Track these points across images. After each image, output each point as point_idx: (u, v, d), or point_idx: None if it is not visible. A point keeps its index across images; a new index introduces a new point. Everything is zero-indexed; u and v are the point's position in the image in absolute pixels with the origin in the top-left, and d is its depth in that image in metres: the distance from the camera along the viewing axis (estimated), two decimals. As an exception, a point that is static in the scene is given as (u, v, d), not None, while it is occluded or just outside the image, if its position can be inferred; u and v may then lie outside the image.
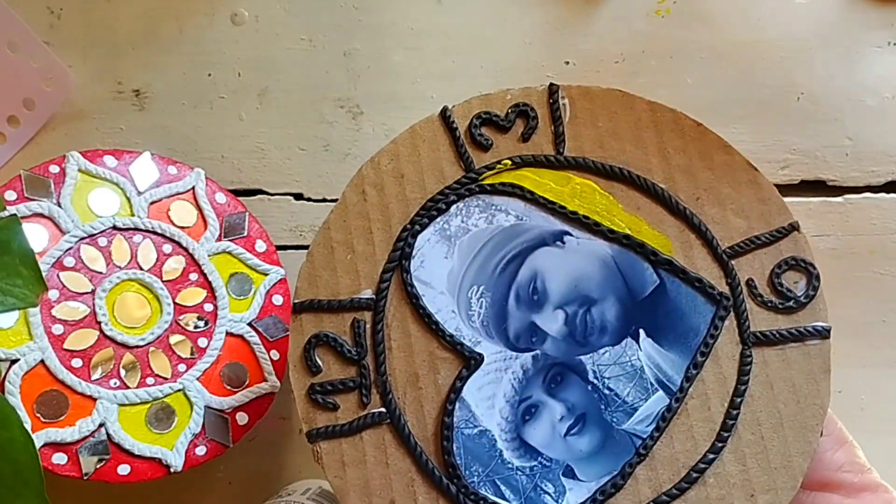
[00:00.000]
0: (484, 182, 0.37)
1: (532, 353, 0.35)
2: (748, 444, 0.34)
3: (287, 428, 0.46)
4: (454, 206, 0.37)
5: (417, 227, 0.37)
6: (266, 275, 0.46)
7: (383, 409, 0.35)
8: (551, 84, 0.38)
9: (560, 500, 0.34)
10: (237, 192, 0.48)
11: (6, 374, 0.40)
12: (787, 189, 0.49)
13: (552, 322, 0.36)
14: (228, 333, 0.44)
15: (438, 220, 0.37)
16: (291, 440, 0.46)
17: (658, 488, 0.34)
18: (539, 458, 0.35)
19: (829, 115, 0.49)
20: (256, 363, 0.44)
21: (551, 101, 0.38)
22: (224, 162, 0.49)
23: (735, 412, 0.34)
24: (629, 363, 0.35)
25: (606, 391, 0.35)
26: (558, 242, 0.36)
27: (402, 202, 0.37)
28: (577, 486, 0.34)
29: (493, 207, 0.37)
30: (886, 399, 0.47)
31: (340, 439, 0.35)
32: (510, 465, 0.35)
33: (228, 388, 0.43)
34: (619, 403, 0.35)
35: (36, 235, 0.43)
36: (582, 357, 0.35)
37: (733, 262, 0.36)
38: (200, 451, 0.42)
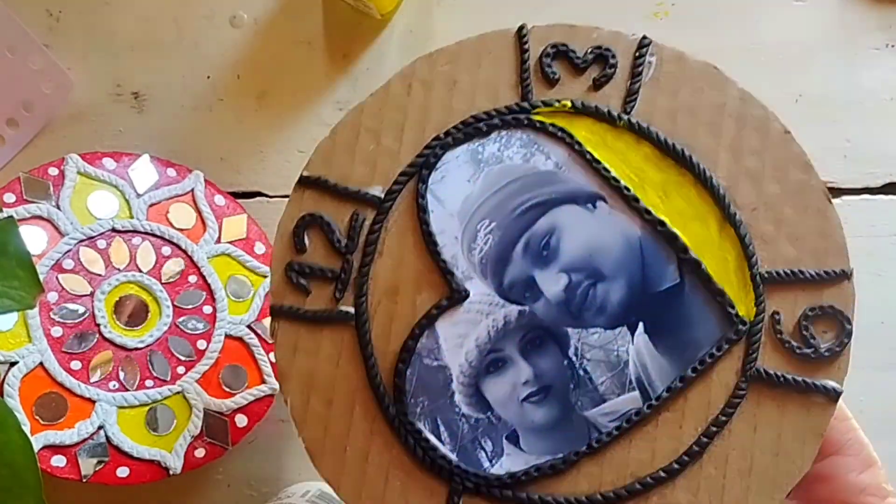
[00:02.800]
0: (535, 117, 0.34)
1: (520, 308, 0.33)
2: (707, 478, 0.32)
3: (286, 430, 0.46)
4: (495, 133, 0.34)
5: (451, 140, 0.34)
6: (265, 277, 0.45)
7: (352, 310, 0.33)
8: (644, 36, 0.35)
9: (494, 462, 0.32)
10: (236, 195, 0.48)
11: (5, 376, 0.40)
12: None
13: (552, 284, 0.33)
14: (227, 336, 0.44)
15: (475, 141, 0.34)
16: (290, 443, 0.46)
17: (596, 487, 0.32)
18: (488, 413, 0.33)
19: (827, 117, 0.49)
20: (255, 365, 0.44)
21: (638, 54, 0.34)
22: (223, 164, 0.48)
23: (706, 441, 0.32)
24: (615, 352, 0.33)
25: (581, 372, 0.33)
26: (589, 205, 0.34)
27: (444, 110, 0.34)
28: (516, 455, 0.32)
29: (535, 147, 0.34)
30: (886, 401, 0.46)
31: (301, 325, 0.34)
32: (457, 410, 0.33)
33: (227, 390, 0.43)
34: (590, 389, 0.33)
35: (35, 238, 0.43)
36: (569, 329, 0.33)
37: (766, 287, 0.32)
38: (199, 453, 0.42)
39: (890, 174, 0.48)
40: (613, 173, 0.34)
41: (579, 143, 0.34)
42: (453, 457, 0.32)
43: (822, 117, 0.48)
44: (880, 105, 0.49)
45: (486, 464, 0.32)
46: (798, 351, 0.32)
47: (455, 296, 0.33)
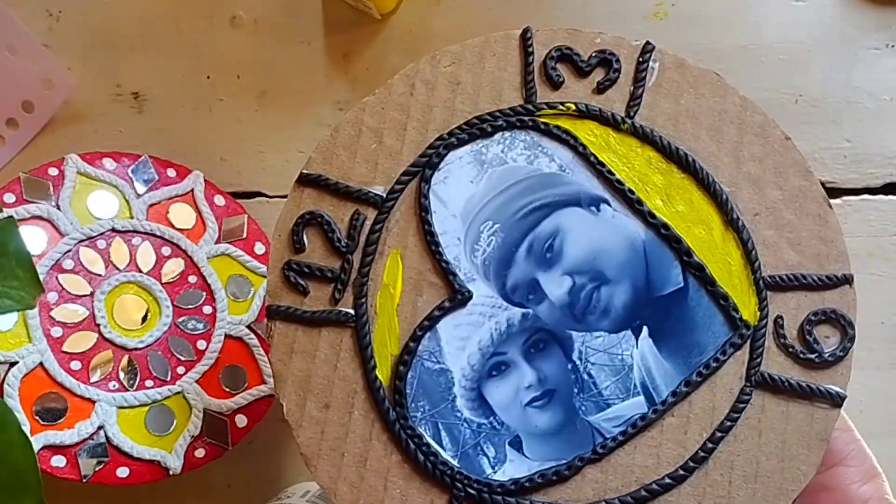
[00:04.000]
0: (539, 119, 0.34)
1: (523, 311, 0.33)
2: (713, 484, 0.31)
3: (286, 430, 0.45)
4: (499, 134, 0.34)
5: (454, 140, 0.34)
6: (265, 277, 0.45)
7: (352, 311, 0.32)
8: (647, 42, 0.35)
9: (496, 468, 0.32)
10: (236, 195, 0.47)
11: (5, 376, 0.40)
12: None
13: (556, 286, 0.33)
14: (227, 336, 0.44)
15: (478, 141, 0.34)
16: (290, 443, 0.46)
17: (601, 494, 0.31)
18: (491, 418, 0.32)
19: (827, 118, 0.49)
20: (255, 365, 0.44)
21: (641, 59, 0.34)
22: (223, 164, 0.48)
23: (712, 446, 0.31)
24: (620, 356, 0.32)
25: (586, 376, 0.32)
26: (593, 207, 0.33)
27: (447, 110, 0.34)
28: (520, 461, 0.32)
29: (539, 149, 0.34)
30: (885, 401, 0.46)
31: (298, 325, 0.33)
32: (459, 414, 0.32)
33: (227, 390, 0.43)
34: (594, 393, 0.32)
35: (35, 238, 0.42)
36: (573, 332, 0.32)
37: (769, 292, 0.32)
38: (199, 453, 0.42)
39: (890, 174, 0.48)
40: (617, 176, 0.33)
41: (583, 146, 0.34)
42: (455, 463, 0.32)
43: (822, 117, 0.48)
44: (880, 105, 0.49)
45: (489, 470, 0.32)
46: (802, 356, 0.32)
47: (458, 297, 0.33)
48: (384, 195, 0.33)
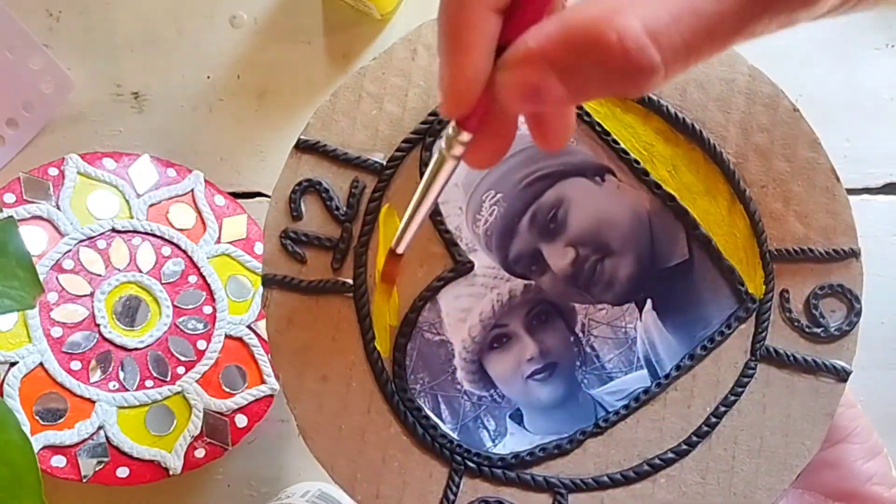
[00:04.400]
0: (543, 86, 0.33)
1: (525, 282, 0.32)
2: (716, 458, 0.31)
3: (286, 430, 0.45)
4: (503, 101, 0.33)
5: (456, 107, 0.33)
6: None
7: (350, 281, 0.32)
8: (655, 9, 0.34)
9: (497, 441, 0.31)
10: (236, 195, 0.47)
11: (5, 376, 0.40)
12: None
13: (559, 258, 0.32)
14: (227, 336, 0.43)
15: (481, 109, 0.33)
16: (290, 442, 0.45)
17: (603, 468, 0.31)
18: (491, 391, 0.31)
19: (826, 117, 0.47)
20: (255, 365, 0.43)
21: (648, 27, 0.34)
22: (223, 164, 0.47)
23: (715, 420, 0.31)
24: (623, 329, 0.32)
25: (588, 349, 0.32)
26: (598, 178, 0.33)
27: (449, 76, 0.33)
28: (520, 434, 0.31)
29: (543, 116, 0.33)
30: (885, 400, 0.46)
31: (296, 295, 0.32)
32: (459, 387, 0.31)
33: (227, 390, 0.42)
34: (597, 367, 0.32)
35: (35, 238, 0.42)
36: (576, 304, 0.32)
37: (775, 265, 0.32)
38: (199, 453, 0.41)
39: (890, 174, 0.48)
40: (622, 146, 0.33)
41: (588, 115, 0.33)
42: (454, 436, 0.31)
43: (822, 117, 0.47)
44: (880, 105, 0.48)
45: (489, 443, 0.31)
46: (807, 330, 0.32)
47: (459, 268, 0.32)
48: (384, 162, 0.32)
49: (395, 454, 0.31)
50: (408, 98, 0.33)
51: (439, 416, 0.31)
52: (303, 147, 0.33)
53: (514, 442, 0.31)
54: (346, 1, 0.47)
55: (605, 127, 0.33)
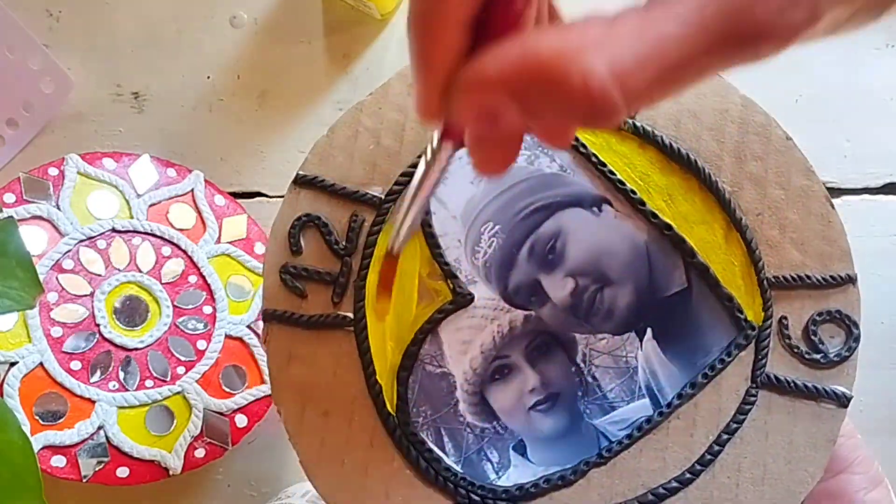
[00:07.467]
0: (539, 118, 0.34)
1: (525, 313, 0.32)
2: (720, 487, 0.31)
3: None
4: (499, 133, 0.33)
5: (453, 140, 0.33)
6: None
7: (351, 315, 0.32)
8: (647, 41, 0.34)
9: (500, 474, 0.31)
10: (236, 195, 0.47)
11: (5, 376, 0.40)
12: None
13: (559, 289, 0.32)
14: (227, 336, 0.43)
15: (478, 141, 0.33)
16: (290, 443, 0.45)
17: (608, 498, 0.31)
18: (494, 423, 0.31)
19: (827, 117, 0.48)
20: (255, 365, 0.44)
21: (641, 59, 0.34)
22: (223, 164, 0.48)
23: (718, 448, 0.31)
24: (624, 359, 0.32)
25: (590, 379, 0.32)
26: (595, 208, 0.33)
27: (446, 110, 0.34)
28: (524, 466, 0.31)
29: (540, 149, 0.33)
30: (885, 400, 0.46)
31: (296, 330, 0.32)
32: (461, 419, 0.31)
33: (227, 390, 0.43)
34: (599, 396, 0.32)
35: (34, 238, 0.42)
36: (576, 335, 0.32)
37: (773, 292, 0.32)
38: (199, 453, 0.41)
39: (890, 174, 0.48)
40: (619, 176, 0.33)
41: (585, 146, 0.33)
42: (458, 468, 0.31)
43: (822, 117, 0.48)
44: (880, 105, 0.48)
45: (493, 475, 0.31)
46: (807, 356, 0.32)
47: (459, 300, 0.32)
48: (383, 196, 0.33)
49: (399, 489, 0.31)
50: (405, 132, 0.33)
51: (442, 448, 0.31)
52: (301, 182, 0.33)
53: (517, 474, 0.31)
54: (347, 1, 0.47)
55: (601, 158, 0.33)
